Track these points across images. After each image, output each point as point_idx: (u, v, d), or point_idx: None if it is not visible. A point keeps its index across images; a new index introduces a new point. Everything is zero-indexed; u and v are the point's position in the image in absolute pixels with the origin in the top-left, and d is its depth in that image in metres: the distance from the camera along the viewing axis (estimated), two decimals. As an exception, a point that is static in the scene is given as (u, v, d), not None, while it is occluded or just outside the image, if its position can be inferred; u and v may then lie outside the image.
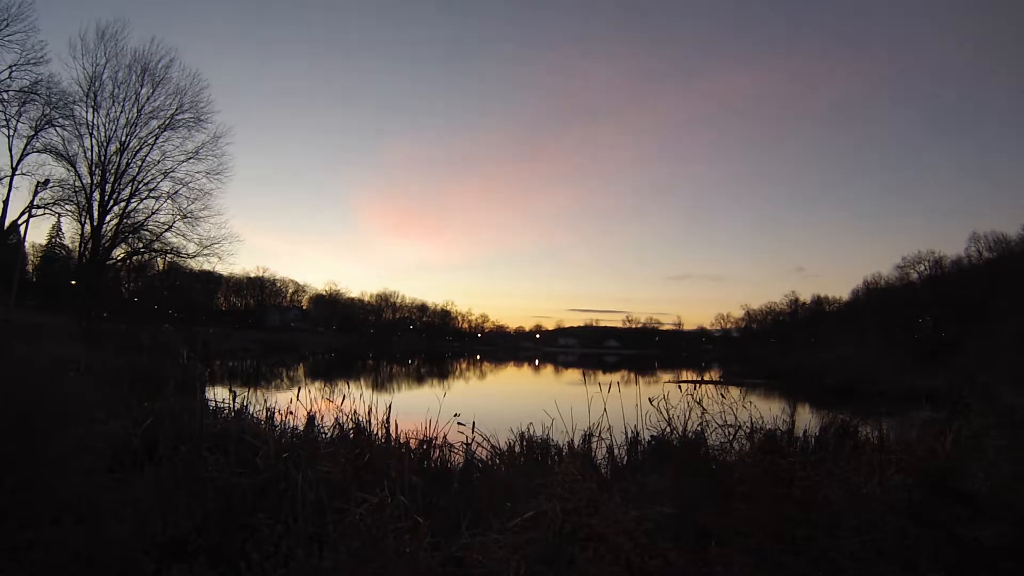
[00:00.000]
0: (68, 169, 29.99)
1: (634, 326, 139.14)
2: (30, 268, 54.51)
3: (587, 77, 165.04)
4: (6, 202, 29.26)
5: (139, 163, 31.41)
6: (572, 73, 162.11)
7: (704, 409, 6.97)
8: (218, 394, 8.00)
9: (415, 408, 7.07)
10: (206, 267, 38.28)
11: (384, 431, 6.28)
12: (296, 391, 6.99)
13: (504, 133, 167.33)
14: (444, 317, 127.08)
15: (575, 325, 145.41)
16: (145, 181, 31.65)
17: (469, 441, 6.18)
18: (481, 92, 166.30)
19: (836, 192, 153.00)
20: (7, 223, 30.54)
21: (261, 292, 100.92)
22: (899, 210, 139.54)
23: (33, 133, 28.71)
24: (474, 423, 6.22)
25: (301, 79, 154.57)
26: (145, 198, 31.92)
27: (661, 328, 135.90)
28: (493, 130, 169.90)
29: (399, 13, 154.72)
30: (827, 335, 58.38)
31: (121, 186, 31.06)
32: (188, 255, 33.35)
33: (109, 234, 31.36)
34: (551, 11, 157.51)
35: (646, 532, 3.40)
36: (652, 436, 6.92)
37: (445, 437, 6.29)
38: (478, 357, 71.70)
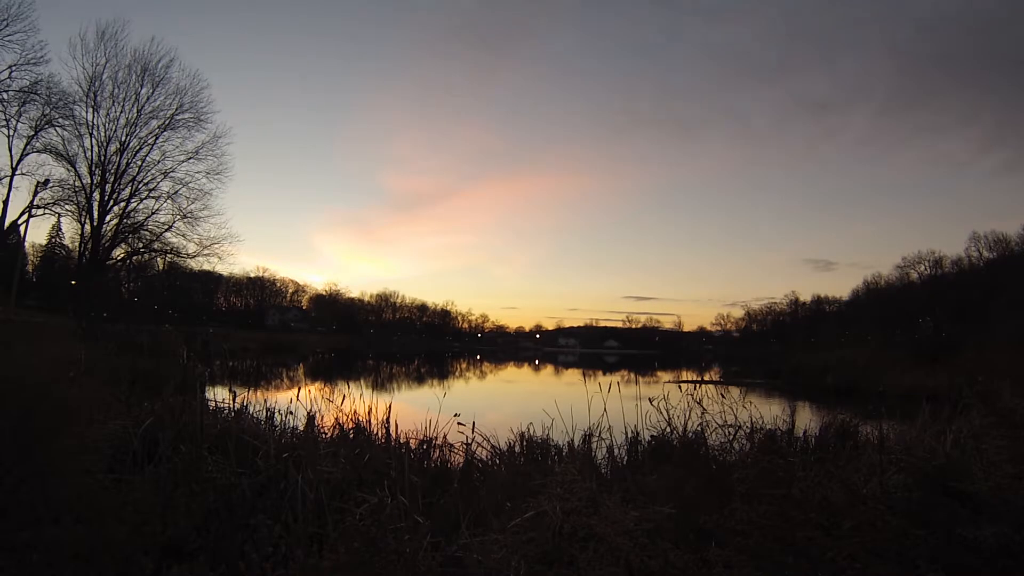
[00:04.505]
0: (68, 169, 30.12)
1: (634, 326, 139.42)
2: (30, 268, 54.52)
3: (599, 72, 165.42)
4: (6, 202, 29.35)
5: (139, 163, 31.54)
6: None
7: (704, 409, 6.97)
8: (218, 394, 7.99)
9: (415, 408, 7.07)
10: (206, 267, 38.51)
11: (384, 431, 6.28)
12: (296, 391, 6.98)
13: (506, 133, 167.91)
14: (444, 317, 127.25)
15: (575, 325, 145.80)
16: (145, 181, 31.78)
17: (469, 441, 6.18)
18: (482, 88, 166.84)
19: (836, 191, 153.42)
20: (7, 223, 30.62)
21: (261, 292, 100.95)
22: (899, 210, 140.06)
23: (33, 133, 28.84)
24: (474, 423, 6.22)
25: (301, 78, 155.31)
26: (145, 198, 32.06)
27: (661, 328, 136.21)
28: (496, 130, 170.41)
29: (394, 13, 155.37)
30: (827, 335, 58.38)
31: (121, 186, 31.18)
32: (188, 255, 33.51)
33: (109, 234, 31.44)
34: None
35: (646, 532, 3.40)
36: (652, 436, 6.91)
37: (445, 437, 6.29)
38: (478, 357, 71.68)
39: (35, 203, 29.32)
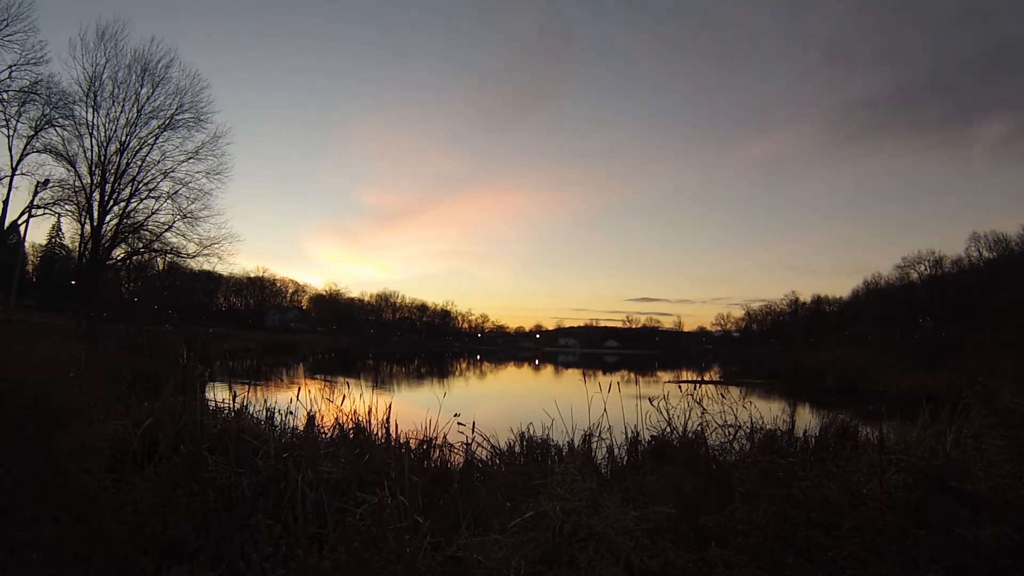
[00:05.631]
0: (68, 169, 29.98)
1: (634, 326, 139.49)
2: (30, 268, 54.52)
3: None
4: (6, 202, 29.27)
5: (139, 163, 31.38)
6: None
7: (704, 409, 6.97)
8: (218, 394, 7.99)
9: (415, 408, 7.07)
10: (206, 267, 38.29)
11: (384, 431, 6.28)
12: (296, 391, 6.98)
13: (508, 134, 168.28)
14: (444, 317, 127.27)
15: (575, 325, 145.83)
16: (145, 181, 31.62)
17: (469, 441, 6.18)
18: (480, 85, 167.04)
19: (837, 191, 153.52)
20: (7, 223, 30.55)
21: (261, 292, 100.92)
22: (899, 210, 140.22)
23: (33, 133, 28.70)
24: (474, 423, 6.22)
25: (301, 77, 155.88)
26: (145, 198, 31.89)
27: (661, 328, 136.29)
28: (496, 130, 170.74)
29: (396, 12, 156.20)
30: (827, 335, 58.29)
31: (121, 186, 31.03)
32: (188, 255, 33.32)
33: (109, 234, 31.31)
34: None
35: (646, 532, 3.41)
36: (652, 436, 6.92)
37: (445, 437, 6.28)
38: (478, 357, 71.69)
39: (35, 203, 29.26)
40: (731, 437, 6.48)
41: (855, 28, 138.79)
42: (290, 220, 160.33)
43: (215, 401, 7.56)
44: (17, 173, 28.87)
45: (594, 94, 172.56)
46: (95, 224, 30.57)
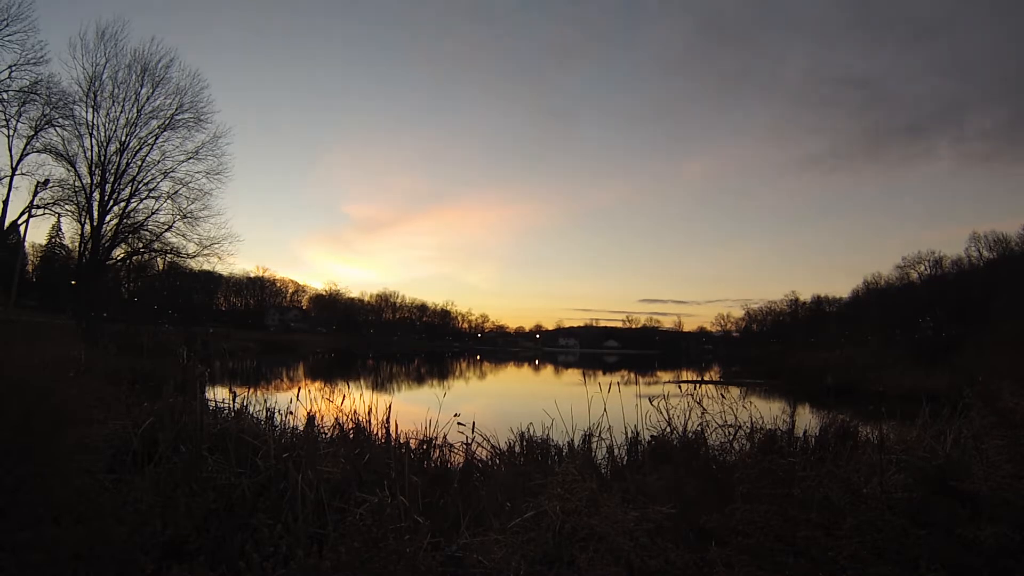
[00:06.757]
0: (68, 169, 29.97)
1: (634, 326, 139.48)
2: (30, 268, 54.46)
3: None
4: (6, 202, 29.25)
5: (139, 163, 31.37)
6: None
7: (704, 409, 6.98)
8: (218, 394, 7.99)
9: (415, 408, 7.07)
10: (206, 267, 38.30)
11: (384, 431, 6.27)
12: (296, 391, 6.98)
13: (504, 133, 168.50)
14: (444, 317, 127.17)
15: (575, 325, 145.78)
16: (145, 181, 31.61)
17: (469, 441, 6.18)
18: (481, 86, 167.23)
19: (836, 191, 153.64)
20: (7, 223, 30.54)
21: (261, 292, 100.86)
22: (899, 210, 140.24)
23: (33, 133, 28.69)
24: (474, 423, 6.22)
25: (300, 77, 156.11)
26: (145, 198, 31.88)
27: (661, 328, 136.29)
28: (494, 129, 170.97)
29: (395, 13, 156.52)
30: (827, 335, 58.31)
31: (121, 186, 31.02)
32: (188, 255, 33.31)
33: (109, 234, 31.30)
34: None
35: (646, 532, 3.40)
36: (652, 436, 6.92)
37: (445, 437, 6.28)
38: (478, 357, 71.70)
39: (35, 203, 29.21)
40: (731, 437, 6.48)
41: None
42: (283, 227, 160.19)
43: (215, 401, 7.56)
44: (17, 173, 28.87)
45: (592, 101, 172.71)
46: (95, 224, 30.56)
